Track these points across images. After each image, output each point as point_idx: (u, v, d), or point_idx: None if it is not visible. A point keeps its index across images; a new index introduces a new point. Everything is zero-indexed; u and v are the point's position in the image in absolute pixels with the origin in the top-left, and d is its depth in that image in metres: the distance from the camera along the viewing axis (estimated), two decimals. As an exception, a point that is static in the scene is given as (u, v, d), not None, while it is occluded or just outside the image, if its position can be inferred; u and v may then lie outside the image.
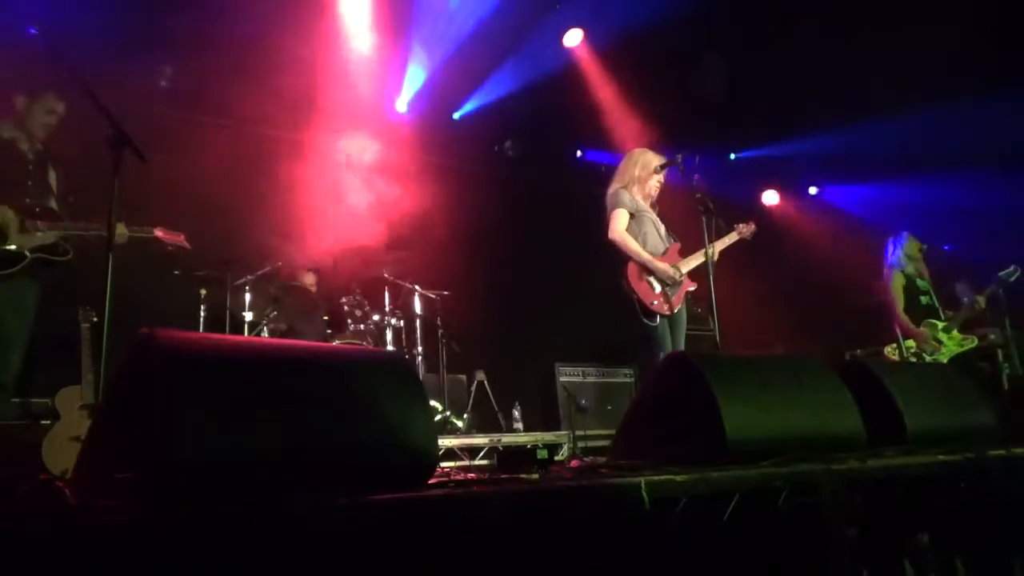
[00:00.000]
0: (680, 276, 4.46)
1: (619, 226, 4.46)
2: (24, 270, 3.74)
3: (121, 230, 3.86)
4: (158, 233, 4.24)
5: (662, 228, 4.64)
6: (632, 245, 4.43)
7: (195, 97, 6.23)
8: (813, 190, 9.38)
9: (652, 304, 4.33)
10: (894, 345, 5.74)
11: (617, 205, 4.52)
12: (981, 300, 5.56)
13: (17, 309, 3.80)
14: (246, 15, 5.80)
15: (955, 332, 5.56)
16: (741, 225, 4.77)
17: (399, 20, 6.64)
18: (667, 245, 4.59)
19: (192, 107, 6.22)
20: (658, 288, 4.39)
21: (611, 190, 4.62)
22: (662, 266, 4.41)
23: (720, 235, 4.56)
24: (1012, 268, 5.55)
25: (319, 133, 6.96)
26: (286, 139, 6.86)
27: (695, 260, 4.52)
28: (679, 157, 4.55)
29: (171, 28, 5.74)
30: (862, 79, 7.19)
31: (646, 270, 4.40)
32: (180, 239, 4.35)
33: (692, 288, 4.56)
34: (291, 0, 6.12)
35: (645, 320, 4.33)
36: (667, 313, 4.38)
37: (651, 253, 4.46)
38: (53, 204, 3.97)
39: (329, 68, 6.80)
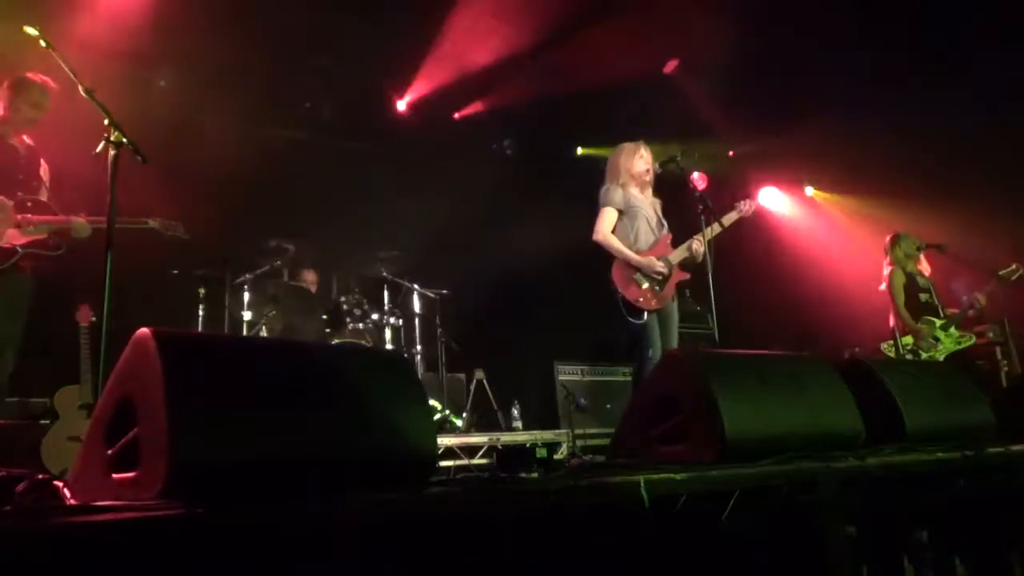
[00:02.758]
0: (669, 268, 4.42)
1: (603, 227, 4.46)
2: (16, 266, 3.71)
3: (80, 223, 3.83)
4: (153, 223, 4.21)
5: (654, 219, 4.60)
6: (615, 244, 4.41)
7: (195, 96, 6.23)
8: (810, 189, 9.37)
9: (638, 302, 4.31)
10: (890, 342, 5.75)
11: (605, 204, 4.51)
12: (981, 298, 5.56)
13: (9, 306, 3.76)
14: (246, 15, 5.79)
15: (953, 330, 5.56)
16: (741, 203, 4.67)
17: (399, 20, 6.63)
18: (657, 236, 4.54)
19: (192, 106, 6.21)
20: (645, 284, 4.36)
21: (603, 187, 4.60)
22: (646, 261, 4.37)
23: (721, 216, 4.50)
24: (1014, 267, 5.55)
25: (320, 132, 6.97)
26: (287, 138, 6.87)
27: (686, 249, 4.49)
28: (677, 154, 4.55)
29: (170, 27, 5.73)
30: (862, 76, 7.20)
31: (632, 267, 4.38)
32: (178, 228, 4.32)
33: (685, 278, 4.51)
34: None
35: (631, 319, 4.32)
36: (655, 308, 4.35)
37: (640, 248, 4.43)
38: (45, 197, 3.94)
39: (330, 67, 6.81)
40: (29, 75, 3.93)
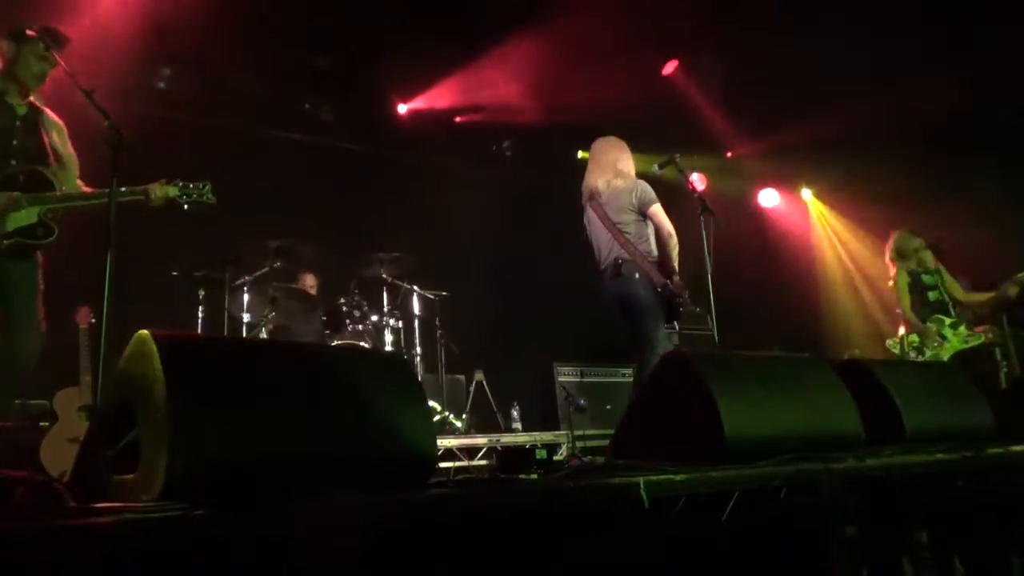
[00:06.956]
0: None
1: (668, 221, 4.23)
2: (6, 254, 3.27)
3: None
4: (171, 191, 3.59)
5: None
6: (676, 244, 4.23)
7: (194, 97, 6.23)
8: (807, 191, 9.36)
9: (681, 308, 4.22)
10: (895, 339, 5.75)
11: (656, 198, 4.24)
12: (1011, 288, 5.46)
13: (16, 291, 3.35)
14: (245, 16, 5.79)
15: (962, 328, 5.52)
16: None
17: (399, 21, 6.63)
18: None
19: (192, 107, 6.21)
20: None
21: (633, 180, 4.31)
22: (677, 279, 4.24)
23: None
24: None
25: (320, 133, 6.98)
26: (286, 139, 6.87)
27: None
28: (677, 156, 4.51)
29: (168, 28, 5.73)
30: (861, 75, 7.20)
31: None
32: (203, 192, 3.70)
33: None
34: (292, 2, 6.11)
35: (676, 322, 4.20)
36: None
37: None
38: (44, 169, 3.39)
39: (329, 69, 6.81)
40: (28, 24, 3.37)
